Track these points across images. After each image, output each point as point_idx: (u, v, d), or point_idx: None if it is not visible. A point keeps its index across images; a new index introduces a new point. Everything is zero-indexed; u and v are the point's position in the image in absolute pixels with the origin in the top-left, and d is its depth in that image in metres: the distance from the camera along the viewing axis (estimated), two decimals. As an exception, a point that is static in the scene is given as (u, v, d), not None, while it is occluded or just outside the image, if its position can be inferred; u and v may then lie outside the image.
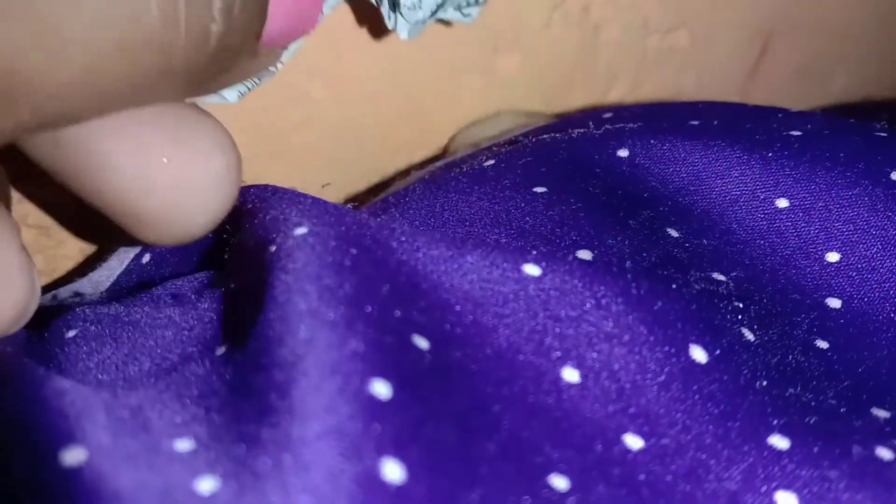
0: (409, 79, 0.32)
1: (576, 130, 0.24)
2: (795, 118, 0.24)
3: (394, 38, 0.30)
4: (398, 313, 0.15)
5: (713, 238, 0.21)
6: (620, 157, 0.22)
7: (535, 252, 0.17)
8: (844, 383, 0.17)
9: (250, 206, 0.19)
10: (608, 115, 0.27)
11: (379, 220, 0.19)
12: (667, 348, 0.16)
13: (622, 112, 0.27)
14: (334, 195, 0.32)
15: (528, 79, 0.35)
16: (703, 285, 0.18)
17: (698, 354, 0.16)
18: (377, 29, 0.30)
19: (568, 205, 0.20)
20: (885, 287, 0.19)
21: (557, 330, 0.16)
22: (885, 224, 0.20)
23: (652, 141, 0.22)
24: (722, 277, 0.20)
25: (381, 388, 0.13)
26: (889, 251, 0.19)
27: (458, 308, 0.16)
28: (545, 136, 0.24)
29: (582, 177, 0.22)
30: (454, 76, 0.33)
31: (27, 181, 0.26)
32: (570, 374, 0.16)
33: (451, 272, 0.16)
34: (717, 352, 0.16)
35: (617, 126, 0.24)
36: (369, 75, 0.31)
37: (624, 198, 0.21)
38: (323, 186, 0.31)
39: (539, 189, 0.21)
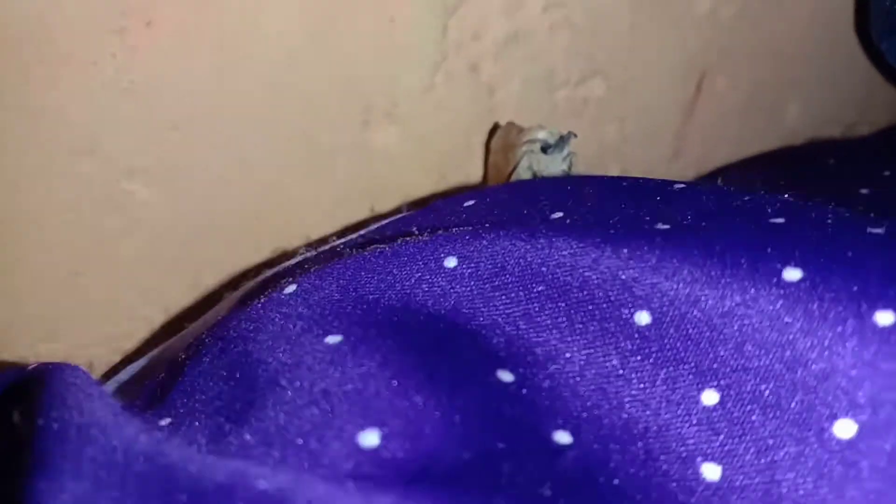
0: (261, 165, 0.27)
1: (402, 239, 0.19)
2: (674, 200, 0.19)
3: (238, 116, 0.26)
4: None
5: (553, 372, 0.16)
6: (447, 270, 0.18)
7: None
8: None
9: None
10: (470, 202, 0.23)
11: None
12: None
13: (485, 198, 0.23)
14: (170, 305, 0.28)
15: (411, 152, 0.31)
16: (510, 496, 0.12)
17: None
18: (216, 105, 0.25)
19: (364, 361, 0.15)
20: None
21: None
22: (780, 341, 0.15)
23: (485, 243, 0.18)
24: (566, 439, 0.15)
25: None
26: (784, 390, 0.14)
27: None
28: (369, 248, 0.19)
29: (393, 312, 0.17)
30: (318, 157, 0.28)
31: None
32: None
33: None
34: None
35: (450, 229, 0.19)
36: (209, 167, 0.26)
37: (445, 332, 0.17)
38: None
39: (332, 339, 0.16)
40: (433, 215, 0.23)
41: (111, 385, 0.22)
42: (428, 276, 0.18)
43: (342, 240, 0.23)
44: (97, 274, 0.26)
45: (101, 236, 0.26)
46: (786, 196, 0.18)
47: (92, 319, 0.27)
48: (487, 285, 0.18)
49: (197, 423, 0.16)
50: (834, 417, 0.14)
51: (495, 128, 0.31)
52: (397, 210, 0.25)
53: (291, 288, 0.18)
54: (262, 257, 0.28)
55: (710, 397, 0.15)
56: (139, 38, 0.23)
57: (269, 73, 0.26)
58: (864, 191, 0.27)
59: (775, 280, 0.15)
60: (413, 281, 0.18)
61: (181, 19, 0.24)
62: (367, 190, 0.30)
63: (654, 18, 0.36)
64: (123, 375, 0.24)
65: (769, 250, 0.16)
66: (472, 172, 0.33)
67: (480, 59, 0.31)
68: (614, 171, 0.38)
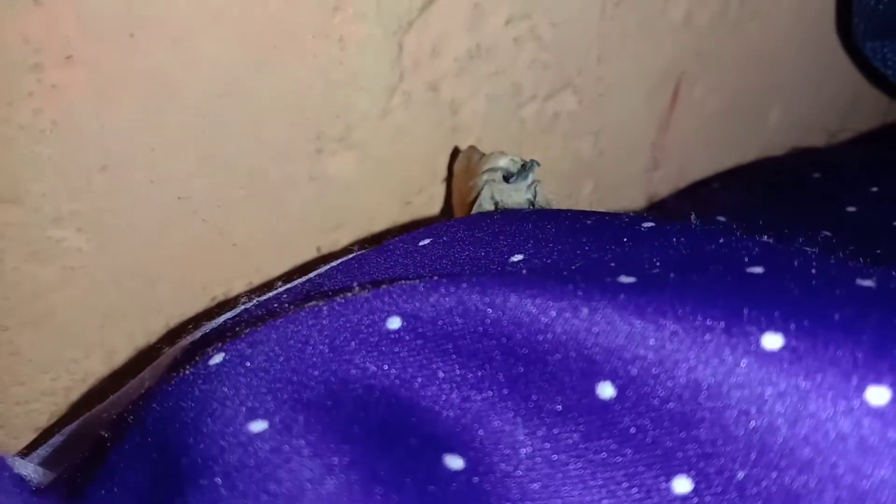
0: (203, 204, 0.25)
1: (342, 295, 0.17)
2: (642, 243, 0.17)
3: (174, 152, 0.24)
4: None
5: (509, 454, 0.14)
6: (389, 332, 0.16)
7: None
8: None
9: None
10: (425, 241, 0.21)
11: None
12: None
13: (441, 236, 0.21)
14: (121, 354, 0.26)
15: (371, 178, 0.29)
16: None
17: None
18: (149, 142, 0.23)
19: (291, 456, 0.13)
20: None
21: None
22: (759, 422, 0.13)
23: (432, 300, 0.16)
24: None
25: None
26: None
27: None
28: (307, 305, 0.17)
29: (327, 386, 0.15)
30: (265, 191, 0.26)
31: None
32: None
33: None
34: None
35: (399, 277, 0.17)
36: (145, 209, 0.24)
37: (385, 410, 0.15)
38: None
39: (257, 426, 0.14)
40: (385, 257, 0.21)
41: (35, 458, 0.20)
42: (368, 340, 0.16)
43: (286, 286, 0.21)
44: (30, 328, 0.24)
45: (32, 288, 0.24)
46: (765, 238, 0.17)
47: (28, 376, 0.25)
48: (436, 349, 0.16)
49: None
50: None
51: (457, 151, 0.29)
52: (348, 250, 0.24)
53: (218, 358, 0.16)
54: (209, 302, 0.26)
55: (682, 485, 0.13)
56: (58, 75, 0.21)
57: (208, 105, 0.24)
58: (850, 209, 0.25)
59: (753, 348, 0.13)
60: (352, 346, 0.16)
61: (104, 52, 0.22)
62: (323, 222, 0.29)
63: (625, 26, 0.34)
64: (56, 440, 0.22)
65: (746, 311, 0.14)
66: (437, 196, 0.31)
67: (440, 77, 0.29)
68: (589, 187, 0.36)
